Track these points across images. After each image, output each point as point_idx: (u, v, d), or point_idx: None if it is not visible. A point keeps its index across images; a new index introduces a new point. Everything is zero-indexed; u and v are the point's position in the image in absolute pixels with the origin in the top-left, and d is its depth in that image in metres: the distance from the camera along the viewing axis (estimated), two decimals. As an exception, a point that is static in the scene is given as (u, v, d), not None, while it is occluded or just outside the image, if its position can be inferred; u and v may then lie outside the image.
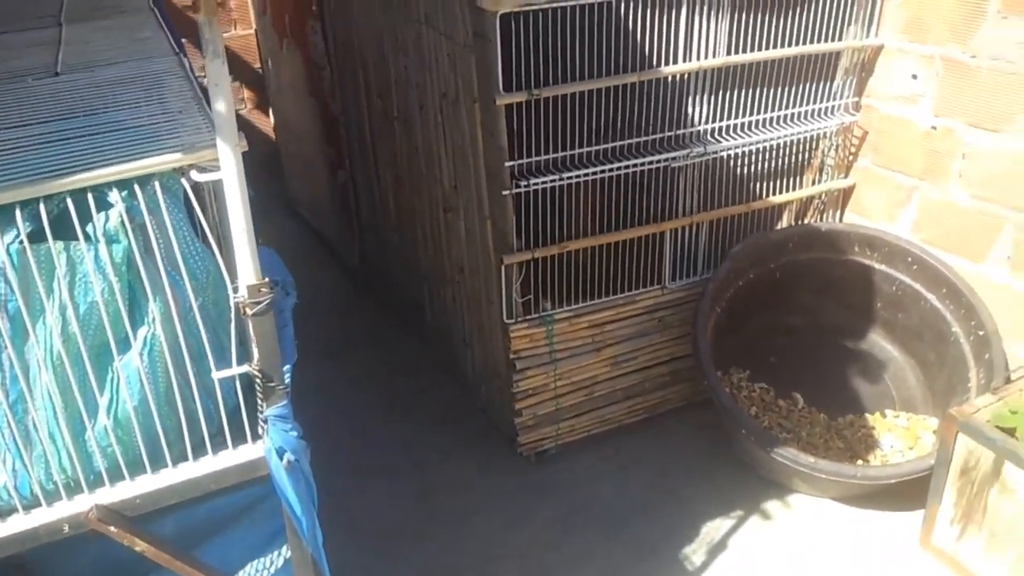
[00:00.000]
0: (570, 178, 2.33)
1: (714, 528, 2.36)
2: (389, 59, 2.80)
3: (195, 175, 1.11)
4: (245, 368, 1.22)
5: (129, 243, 1.11)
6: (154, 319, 1.17)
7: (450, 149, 2.51)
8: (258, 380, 1.22)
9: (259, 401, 1.24)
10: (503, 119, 2.22)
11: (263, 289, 1.16)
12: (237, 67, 4.17)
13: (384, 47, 2.81)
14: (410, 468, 2.63)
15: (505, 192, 2.29)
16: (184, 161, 1.10)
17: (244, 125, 4.27)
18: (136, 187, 1.09)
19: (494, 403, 2.74)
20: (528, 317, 2.46)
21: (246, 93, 4.25)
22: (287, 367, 1.29)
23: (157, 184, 1.10)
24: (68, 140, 1.17)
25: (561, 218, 2.42)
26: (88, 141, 1.16)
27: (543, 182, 2.30)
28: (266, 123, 4.31)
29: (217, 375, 1.21)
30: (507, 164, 2.26)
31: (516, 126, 2.26)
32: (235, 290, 1.18)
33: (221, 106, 1.03)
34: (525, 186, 2.29)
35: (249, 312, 1.17)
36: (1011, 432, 2.00)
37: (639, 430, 2.71)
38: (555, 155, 2.33)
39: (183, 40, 3.05)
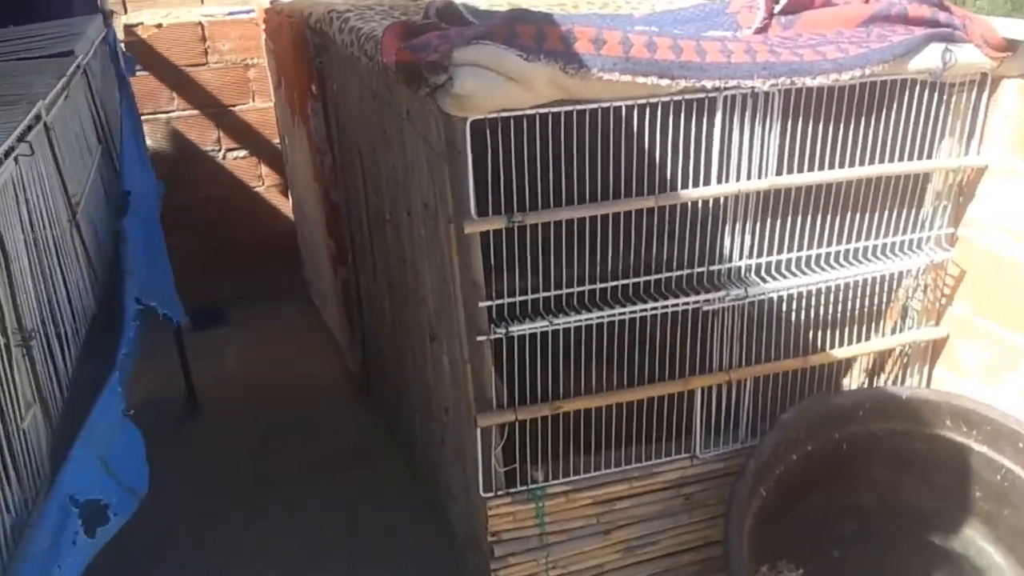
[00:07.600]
0: (566, 323, 1.82)
1: None
2: (379, 154, 2.37)
3: None
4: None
5: None
6: None
7: (432, 269, 2.04)
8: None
9: None
10: (478, 250, 1.74)
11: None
12: (255, 142, 3.83)
13: (375, 139, 2.38)
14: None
15: (480, 338, 1.79)
16: None
17: (261, 205, 3.93)
18: None
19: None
20: (512, 491, 1.95)
21: (264, 170, 3.89)
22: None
23: None
24: None
25: (556, 371, 1.90)
26: None
27: (529, 328, 1.80)
28: (285, 204, 3.94)
29: None
30: (482, 304, 1.77)
31: (495, 258, 1.77)
32: None
33: None
34: (504, 333, 1.78)
35: None
36: None
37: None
38: (547, 294, 1.82)
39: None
